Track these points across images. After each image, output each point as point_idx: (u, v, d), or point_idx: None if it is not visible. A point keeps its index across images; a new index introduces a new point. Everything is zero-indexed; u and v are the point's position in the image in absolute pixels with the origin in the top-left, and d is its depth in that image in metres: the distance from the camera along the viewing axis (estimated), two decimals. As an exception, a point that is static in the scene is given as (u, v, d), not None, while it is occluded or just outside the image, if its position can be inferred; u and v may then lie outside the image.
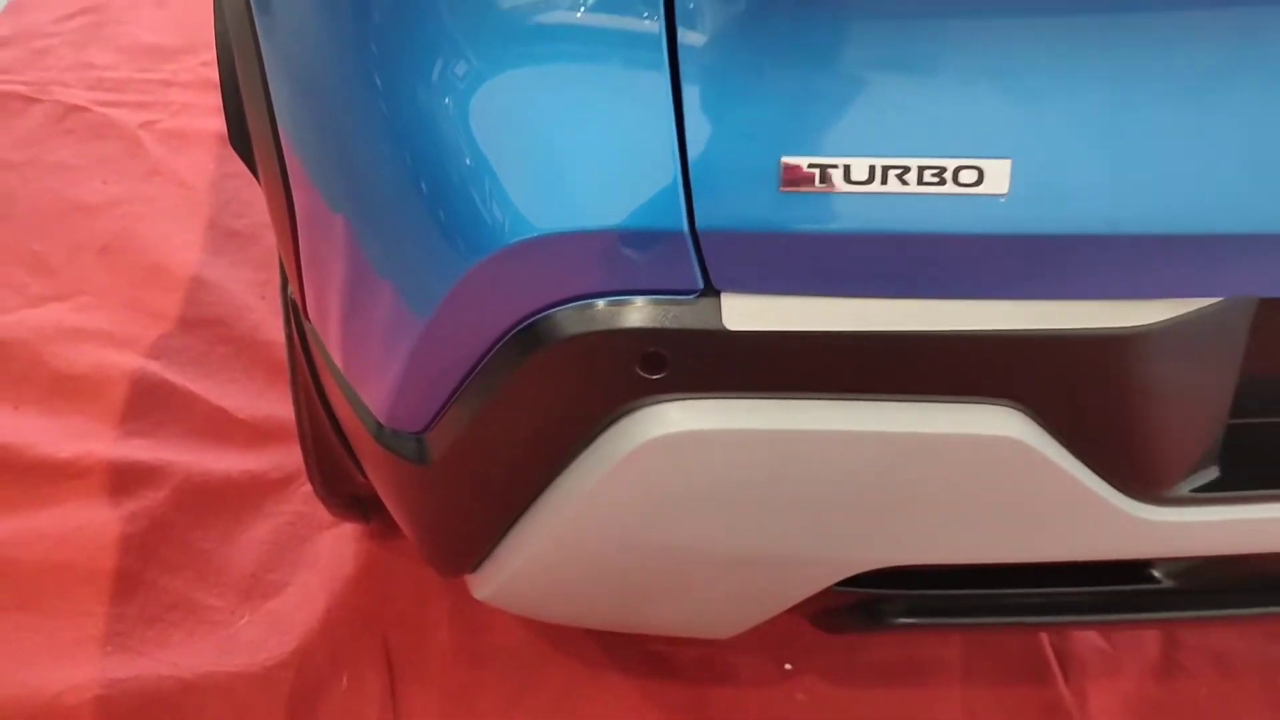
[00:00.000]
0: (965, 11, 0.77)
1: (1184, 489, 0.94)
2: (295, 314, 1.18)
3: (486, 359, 0.88)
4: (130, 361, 1.89)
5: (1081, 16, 0.77)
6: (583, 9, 0.78)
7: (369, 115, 0.86)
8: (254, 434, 1.80)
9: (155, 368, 1.89)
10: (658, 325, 0.82)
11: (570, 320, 0.83)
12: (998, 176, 0.77)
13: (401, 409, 0.96)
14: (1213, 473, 0.94)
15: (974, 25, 0.77)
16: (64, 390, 1.85)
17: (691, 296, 0.82)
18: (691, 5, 0.76)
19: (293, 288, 1.12)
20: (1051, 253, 0.81)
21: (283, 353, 1.75)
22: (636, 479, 0.90)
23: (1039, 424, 0.88)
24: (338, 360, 1.04)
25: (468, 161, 0.80)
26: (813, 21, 0.76)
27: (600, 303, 0.83)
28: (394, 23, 0.82)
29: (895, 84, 0.77)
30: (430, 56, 0.80)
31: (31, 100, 2.43)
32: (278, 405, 1.83)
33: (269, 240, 2.14)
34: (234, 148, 1.27)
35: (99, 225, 2.16)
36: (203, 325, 1.98)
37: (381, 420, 0.99)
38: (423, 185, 0.83)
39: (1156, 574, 1.07)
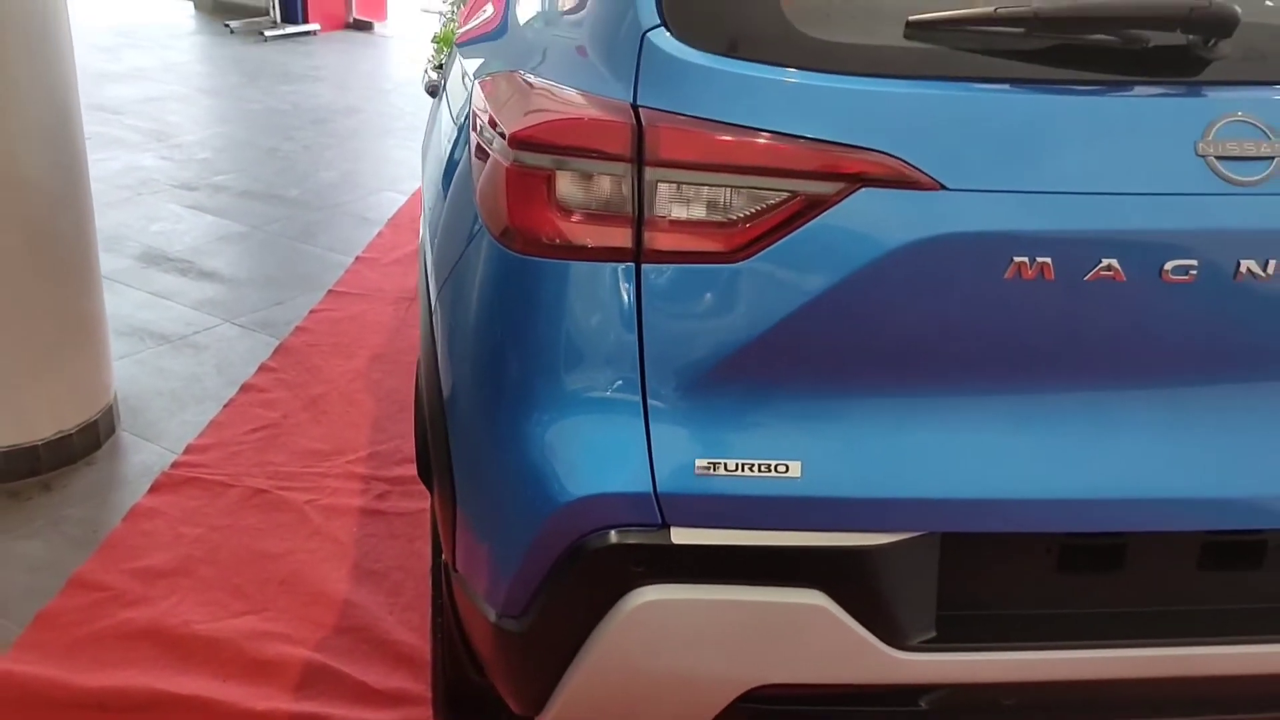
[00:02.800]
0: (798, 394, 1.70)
1: (915, 641, 1.76)
2: (446, 575, 2.06)
3: (554, 566, 1.74)
4: (301, 653, 2.75)
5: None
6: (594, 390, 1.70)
7: (499, 453, 1.78)
8: (386, 699, 2.62)
9: (319, 657, 2.74)
10: (639, 543, 1.70)
11: (597, 541, 1.71)
12: (795, 469, 1.68)
13: (509, 602, 1.81)
14: (931, 633, 1.77)
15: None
16: (257, 672, 2.70)
17: (656, 527, 1.71)
18: (661, 394, 1.69)
19: (445, 555, 2.01)
20: (830, 507, 1.69)
21: (403, 646, 2.63)
22: (632, 628, 1.74)
23: (834, 599, 1.72)
24: (475, 587, 1.91)
25: (550, 462, 1.71)
26: (715, 405, 1.70)
27: (613, 531, 1.71)
28: (508, 402, 1.75)
29: (750, 429, 1.70)
30: (527, 411, 1.73)
31: (229, 485, 3.41)
32: (404, 681, 2.66)
33: (396, 577, 3.03)
34: (419, 474, 2.20)
35: (279, 567, 3.07)
36: (350, 631, 2.85)
37: (496, 612, 1.84)
38: (526, 477, 1.74)
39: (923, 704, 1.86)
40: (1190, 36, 1.62)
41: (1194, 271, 1.61)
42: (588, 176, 1.64)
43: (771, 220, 1.61)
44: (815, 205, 1.59)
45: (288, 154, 6.63)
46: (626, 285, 1.65)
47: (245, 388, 3.98)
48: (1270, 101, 1.63)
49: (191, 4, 10.59)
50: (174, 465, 3.50)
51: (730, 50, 1.64)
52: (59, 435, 3.45)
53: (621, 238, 1.64)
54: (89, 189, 3.49)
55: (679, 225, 1.64)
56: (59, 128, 3.28)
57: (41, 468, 3.42)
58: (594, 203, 1.65)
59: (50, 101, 3.23)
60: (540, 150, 1.66)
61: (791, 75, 1.62)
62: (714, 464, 1.68)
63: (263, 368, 4.11)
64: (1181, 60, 1.63)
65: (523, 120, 1.70)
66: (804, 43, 1.65)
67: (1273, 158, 1.60)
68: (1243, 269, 1.61)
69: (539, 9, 2.07)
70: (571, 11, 1.91)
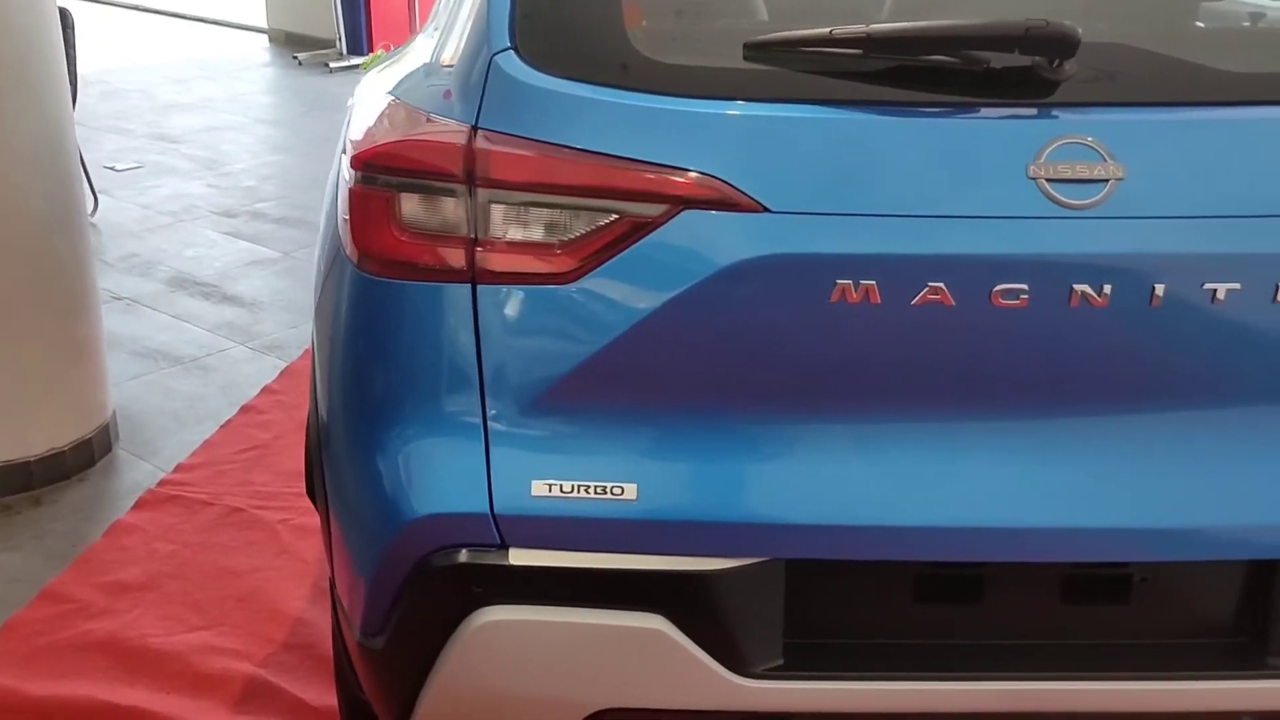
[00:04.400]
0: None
1: (761, 668, 1.74)
2: (333, 592, 2.09)
3: (403, 586, 1.76)
4: (246, 668, 2.80)
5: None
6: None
7: (354, 473, 1.80)
8: (319, 717, 2.66)
9: (262, 673, 2.79)
10: (479, 563, 1.71)
11: (440, 561, 1.73)
12: (631, 491, 1.68)
13: (368, 621, 1.84)
14: (778, 660, 1.75)
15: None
16: (200, 685, 2.76)
17: (496, 548, 1.72)
18: (500, 415, 1.70)
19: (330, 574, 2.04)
20: (667, 530, 1.69)
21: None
22: (476, 648, 1.74)
23: (675, 623, 1.71)
24: (344, 605, 1.93)
25: (394, 482, 1.73)
26: (553, 426, 1.70)
27: (453, 551, 1.72)
28: (359, 433, 1.78)
29: (587, 451, 1.70)
30: (377, 431, 1.76)
31: (208, 504, 3.49)
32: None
33: (352, 596, 3.08)
34: (307, 493, 2.24)
35: (241, 583, 3.13)
36: (298, 648, 2.89)
37: (359, 630, 1.86)
38: (375, 497, 1.76)
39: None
40: (1034, 57, 1.59)
41: (1025, 296, 1.57)
42: (427, 198, 1.67)
43: (600, 242, 1.62)
44: (641, 227, 1.60)
45: (331, 182, 6.78)
46: (464, 307, 1.67)
47: (244, 409, 4.07)
48: (1114, 123, 1.59)
49: (266, 36, 10.91)
50: (160, 483, 3.59)
51: (574, 73, 1.66)
52: (51, 452, 3.56)
53: (458, 259, 1.66)
54: (84, 215, 3.63)
55: (513, 247, 1.65)
56: (52, 156, 3.41)
57: (34, 483, 3.54)
58: (433, 224, 1.67)
59: (43, 130, 3.36)
60: (380, 172, 1.70)
61: (625, 98, 1.63)
62: (551, 485, 1.68)
63: (265, 389, 4.21)
64: (1024, 81, 1.60)
65: (365, 143, 1.74)
66: (646, 66, 1.66)
67: (1108, 180, 1.56)
68: (1077, 294, 1.57)
69: (430, 36, 2.11)
70: (452, 37, 1.94)
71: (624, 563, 1.70)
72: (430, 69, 1.92)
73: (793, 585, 1.73)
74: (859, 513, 1.69)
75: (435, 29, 2.09)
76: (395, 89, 1.92)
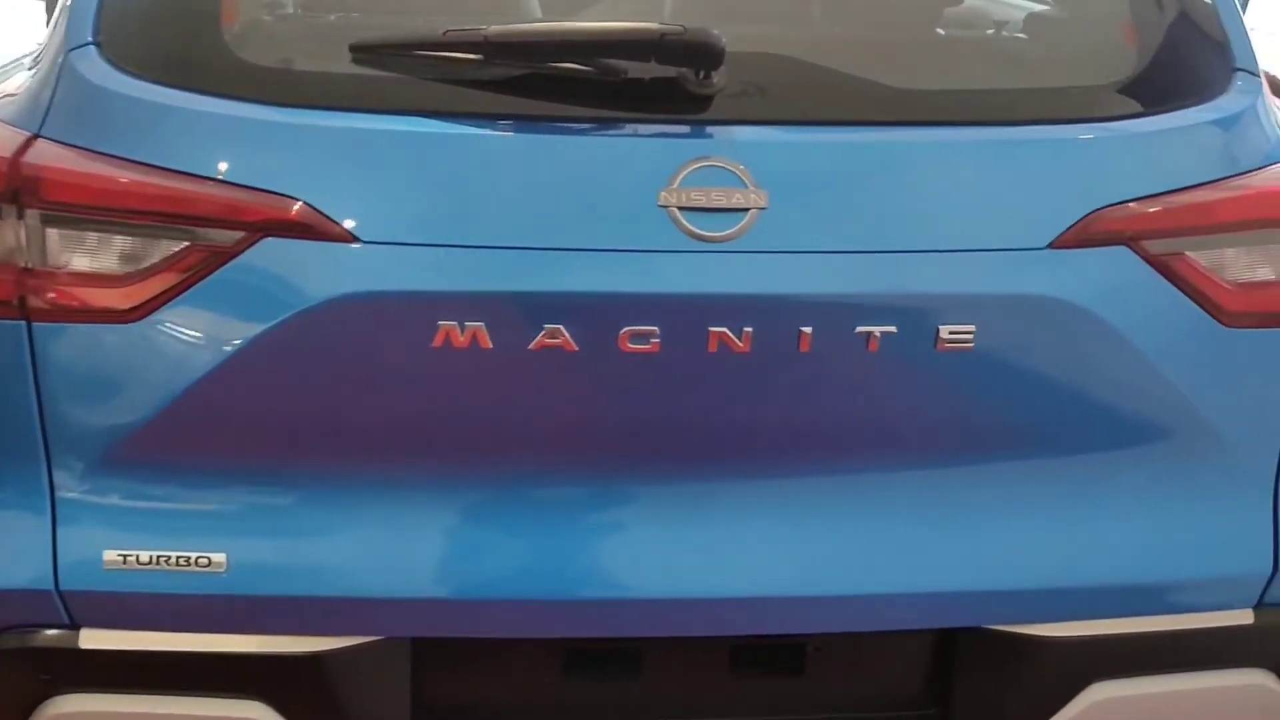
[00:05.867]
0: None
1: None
2: None
3: None
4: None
5: None
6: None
7: None
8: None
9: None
10: (44, 646, 1.46)
11: (2, 643, 1.47)
12: (220, 562, 1.44)
13: None
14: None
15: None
16: None
17: (65, 628, 1.47)
18: (67, 475, 1.45)
19: None
20: (263, 607, 1.46)
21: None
22: None
23: (278, 711, 1.48)
24: None
25: None
26: (128, 488, 1.46)
27: (15, 633, 1.47)
28: None
29: (167, 517, 1.46)
30: None
31: None
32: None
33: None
34: None
35: None
36: None
37: None
38: None
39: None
40: (676, 69, 1.39)
41: (656, 340, 1.38)
42: None
43: (171, 273, 1.38)
44: (216, 257, 1.37)
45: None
46: (18, 349, 1.42)
47: None
48: (759, 145, 1.41)
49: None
50: None
51: (158, 75, 1.43)
52: None
53: (7, 291, 1.41)
54: None
55: (75, 278, 1.41)
56: None
57: None
58: None
59: None
60: None
61: (207, 105, 1.40)
62: (127, 555, 1.44)
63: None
64: (662, 96, 1.41)
65: None
66: (235, 69, 1.44)
67: (748, 209, 1.37)
68: (714, 338, 1.38)
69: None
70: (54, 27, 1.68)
71: (216, 644, 1.47)
72: (20, 65, 1.66)
73: (420, 665, 1.52)
74: (487, 586, 1.49)
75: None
76: None
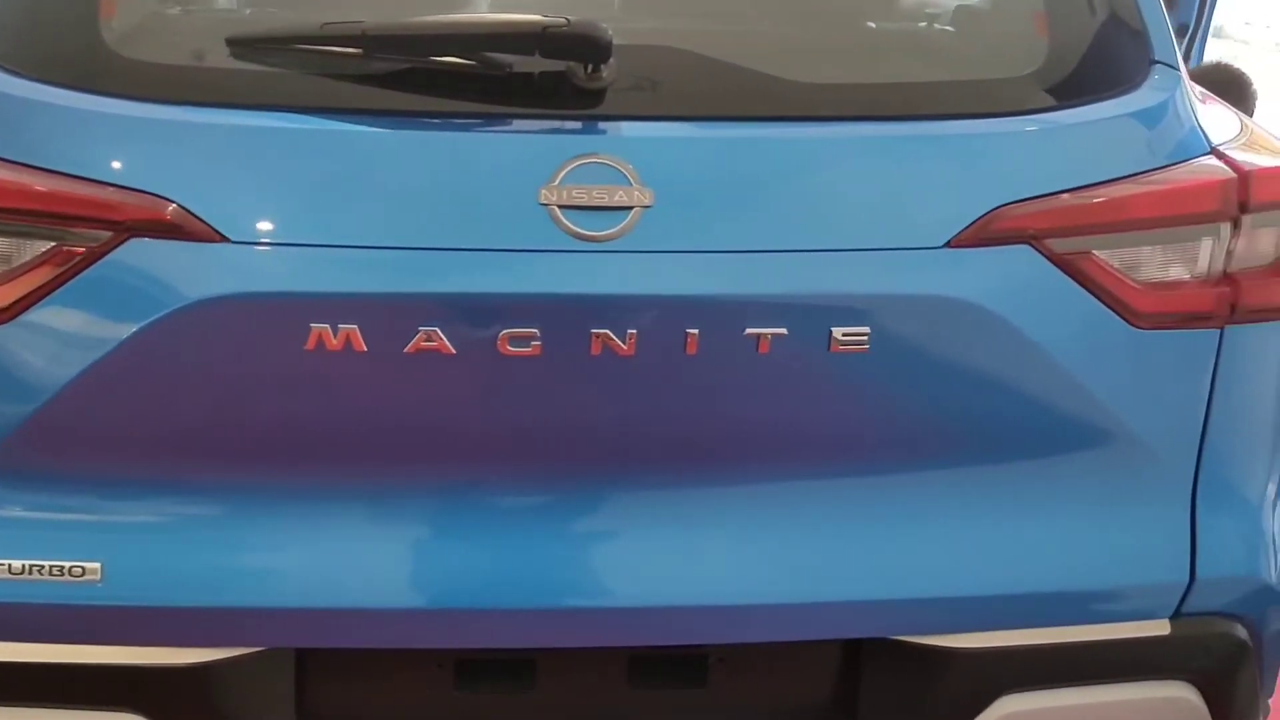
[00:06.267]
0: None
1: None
2: None
3: None
4: None
5: None
6: None
7: None
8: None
9: None
10: None
11: None
12: (95, 571, 1.40)
13: None
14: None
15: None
16: None
17: None
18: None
19: None
20: (140, 618, 1.41)
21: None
22: None
23: None
24: None
25: None
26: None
27: None
28: None
29: (39, 525, 1.41)
30: None
31: None
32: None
33: None
34: None
35: None
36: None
37: None
38: None
39: None
40: (563, 62, 1.35)
41: (537, 343, 1.33)
42: None
43: (37, 274, 1.34)
44: (82, 257, 1.32)
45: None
46: None
47: None
48: (644, 141, 1.36)
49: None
50: None
51: (33, 69, 1.38)
52: None
53: None
54: None
55: None
56: None
57: None
58: None
59: None
60: None
61: (74, 100, 1.36)
62: None
63: None
64: (548, 90, 1.37)
65: None
66: (113, 63, 1.40)
67: (631, 208, 1.32)
68: (597, 341, 1.34)
69: None
70: None
71: (92, 655, 1.43)
72: None
73: (305, 676, 1.48)
74: (371, 595, 1.44)
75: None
76: None
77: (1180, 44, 3.74)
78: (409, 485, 1.42)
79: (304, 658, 1.47)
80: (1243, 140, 1.56)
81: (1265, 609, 1.57)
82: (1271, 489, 1.58)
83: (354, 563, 1.43)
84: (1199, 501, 1.53)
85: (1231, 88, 3.38)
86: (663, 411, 1.40)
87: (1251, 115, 3.49)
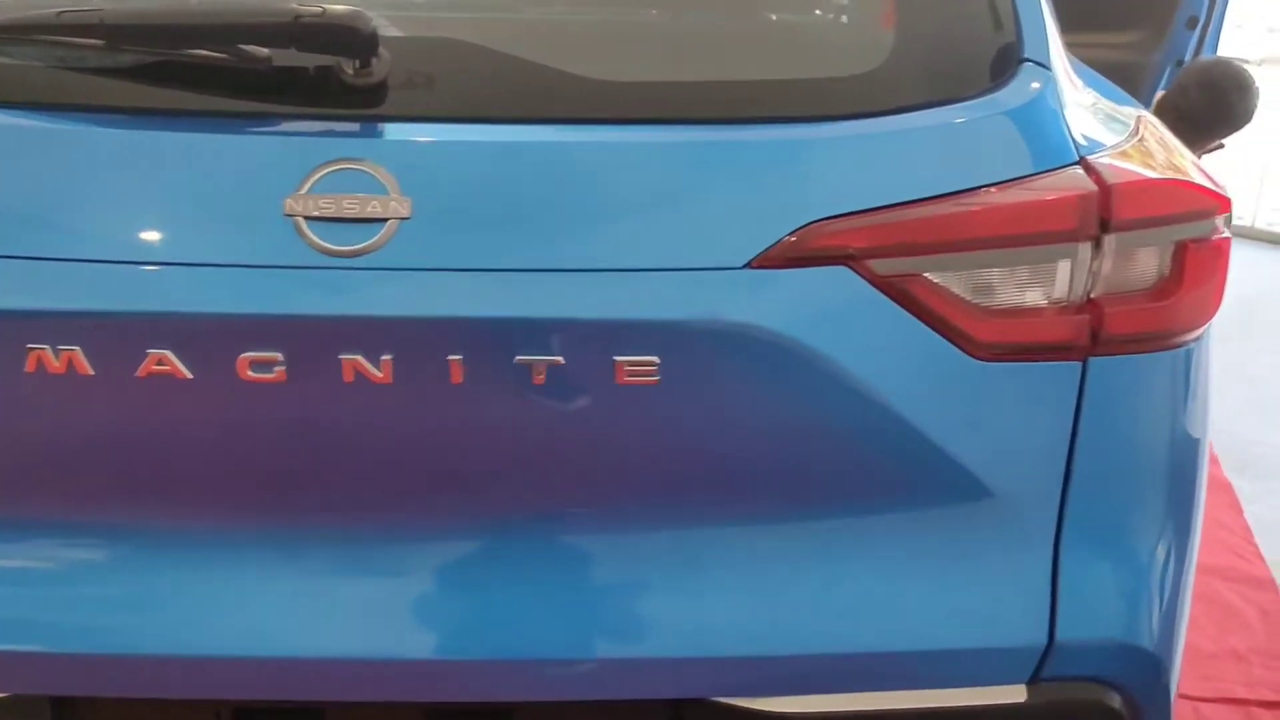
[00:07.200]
0: None
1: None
2: None
3: None
4: None
5: None
6: None
7: None
8: None
9: None
10: None
11: None
12: None
13: None
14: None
15: None
16: None
17: None
18: None
19: None
20: None
21: None
22: None
23: None
24: None
25: None
26: None
27: None
28: None
29: None
30: None
31: None
32: None
33: None
34: None
35: None
36: None
37: None
38: None
39: None
40: (324, 57, 1.21)
41: (280, 368, 1.20)
42: None
43: None
44: None
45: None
46: None
47: None
48: (410, 144, 1.22)
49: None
50: None
51: None
52: None
53: None
54: None
55: None
56: None
57: None
58: None
59: None
60: None
61: None
62: None
63: None
64: (310, 88, 1.23)
65: None
66: None
67: (386, 220, 1.18)
68: (348, 367, 1.20)
69: None
70: None
71: None
72: None
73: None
74: (128, 640, 1.32)
75: None
76: None
77: (1190, 38, 3.53)
78: (157, 521, 1.30)
79: (61, 706, 1.35)
80: (1125, 147, 1.37)
81: (1141, 674, 1.39)
82: (1149, 540, 1.40)
83: (93, 605, 1.31)
84: (1062, 555, 1.36)
85: (1229, 86, 3.15)
86: (430, 447, 1.26)
87: (1250, 117, 3.26)
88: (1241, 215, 4.54)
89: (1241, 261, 3.47)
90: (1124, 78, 3.48)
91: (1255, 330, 4.56)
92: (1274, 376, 4.26)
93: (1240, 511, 3.44)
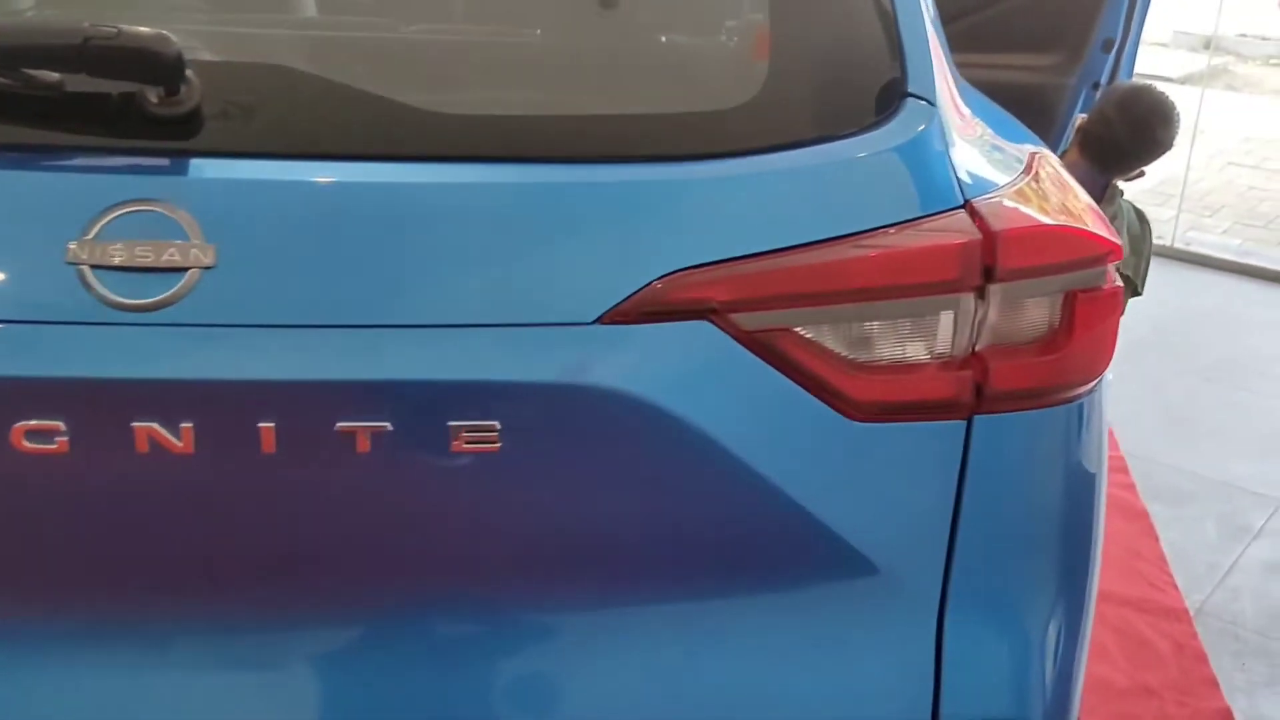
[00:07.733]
0: None
1: None
2: None
3: None
4: None
5: None
6: None
7: None
8: None
9: None
10: None
11: None
12: None
13: None
14: None
15: None
16: None
17: None
18: None
19: None
20: None
21: None
22: None
23: None
24: None
25: None
26: None
27: None
28: None
29: None
30: None
31: None
32: None
33: None
34: None
35: None
36: None
37: None
38: None
39: None
40: (138, 85, 1.07)
41: (63, 438, 1.05)
42: None
43: None
44: None
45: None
46: None
47: None
48: (218, 183, 1.08)
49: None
50: None
51: None
52: None
53: None
54: None
55: None
56: None
57: None
58: None
59: None
60: None
61: None
62: None
63: None
64: (108, 118, 1.09)
65: None
66: None
67: (186, 269, 1.04)
68: (142, 436, 1.06)
69: None
70: None
71: None
72: None
73: None
74: None
75: None
76: None
77: (1106, 60, 3.47)
78: None
79: None
80: (1016, 188, 1.27)
81: None
82: (1040, 611, 1.30)
83: None
84: (946, 630, 1.25)
85: (1155, 120, 3.09)
86: (242, 525, 1.12)
87: (1172, 145, 3.20)
88: (1160, 235, 4.50)
89: (1160, 282, 3.43)
90: (1041, 100, 3.42)
91: (1171, 352, 4.52)
92: (1190, 399, 4.22)
93: (1156, 539, 3.38)
